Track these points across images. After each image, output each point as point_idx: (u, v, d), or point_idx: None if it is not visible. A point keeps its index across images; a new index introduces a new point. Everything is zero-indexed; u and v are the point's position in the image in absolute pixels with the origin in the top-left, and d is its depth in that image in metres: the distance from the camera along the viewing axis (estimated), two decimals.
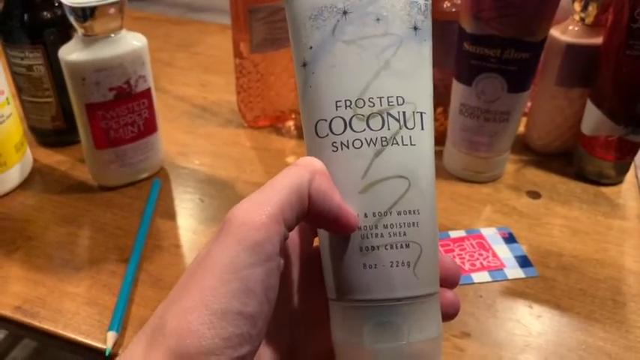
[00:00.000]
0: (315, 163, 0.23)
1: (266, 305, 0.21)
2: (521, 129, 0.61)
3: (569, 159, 0.58)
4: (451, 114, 0.54)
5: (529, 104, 0.60)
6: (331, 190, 0.23)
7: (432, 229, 0.24)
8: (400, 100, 0.23)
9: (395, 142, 0.23)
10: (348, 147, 0.23)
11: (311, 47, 0.24)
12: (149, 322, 0.20)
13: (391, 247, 0.23)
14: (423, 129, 0.24)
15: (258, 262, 0.20)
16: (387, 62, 0.23)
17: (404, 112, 0.23)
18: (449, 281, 0.26)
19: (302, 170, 0.22)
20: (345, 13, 0.23)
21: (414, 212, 0.23)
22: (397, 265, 0.23)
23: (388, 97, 0.23)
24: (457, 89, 0.52)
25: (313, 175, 0.22)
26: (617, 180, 0.55)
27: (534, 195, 0.54)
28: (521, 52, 0.48)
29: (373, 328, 0.23)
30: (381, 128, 0.23)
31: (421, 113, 0.24)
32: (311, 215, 0.23)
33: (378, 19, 0.23)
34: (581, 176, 0.56)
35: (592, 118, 0.53)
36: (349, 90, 0.23)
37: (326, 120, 0.24)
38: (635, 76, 0.49)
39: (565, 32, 0.53)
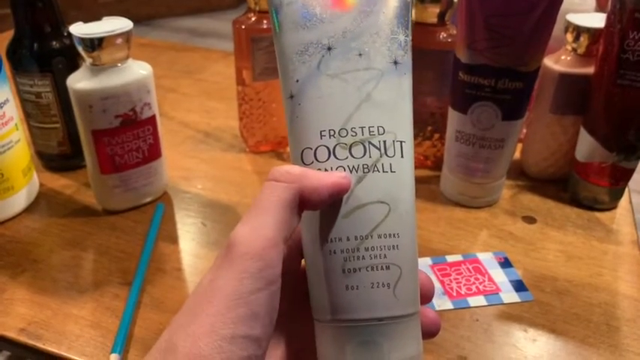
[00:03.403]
0: (293, 171, 0.24)
1: (269, 326, 0.22)
2: (517, 155, 0.62)
3: (564, 185, 0.59)
4: (447, 141, 0.55)
5: (524, 131, 0.62)
6: (318, 180, 0.23)
7: (412, 251, 0.25)
8: (381, 130, 0.25)
9: (376, 169, 0.24)
10: None
11: (297, 80, 0.25)
12: (157, 347, 0.21)
13: (372, 269, 0.24)
14: (402, 157, 0.25)
15: (262, 287, 0.21)
16: (369, 94, 0.25)
17: (384, 141, 0.25)
18: (424, 296, 0.27)
19: (285, 185, 0.23)
20: (329, 48, 0.25)
21: (394, 236, 0.24)
22: (378, 287, 0.24)
23: (369, 127, 0.25)
24: (453, 117, 0.54)
25: (300, 183, 0.23)
26: (612, 205, 0.56)
27: (530, 220, 0.55)
28: (515, 81, 0.49)
29: (355, 347, 0.24)
30: (362, 156, 0.24)
31: (401, 142, 0.25)
32: (312, 207, 0.24)
33: (360, 54, 0.25)
34: (576, 202, 0.57)
35: (585, 145, 0.54)
36: (333, 120, 0.25)
37: (311, 148, 0.25)
38: (626, 104, 0.50)
39: (558, 62, 0.55)
